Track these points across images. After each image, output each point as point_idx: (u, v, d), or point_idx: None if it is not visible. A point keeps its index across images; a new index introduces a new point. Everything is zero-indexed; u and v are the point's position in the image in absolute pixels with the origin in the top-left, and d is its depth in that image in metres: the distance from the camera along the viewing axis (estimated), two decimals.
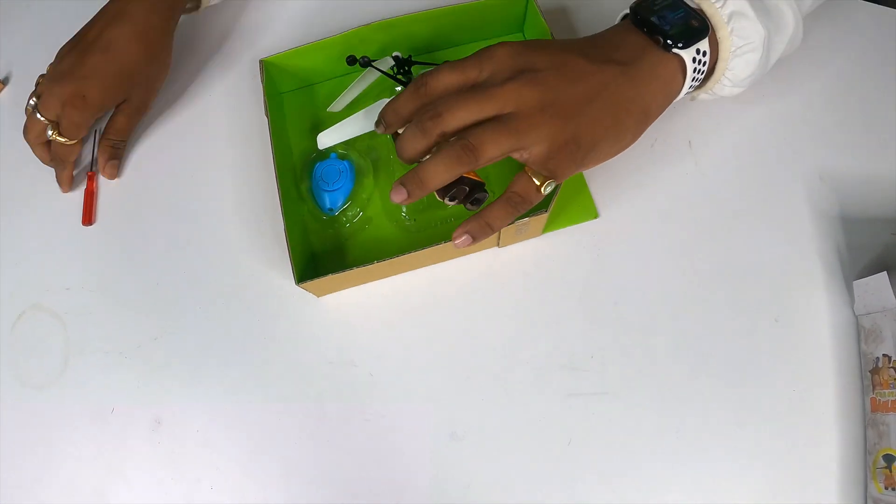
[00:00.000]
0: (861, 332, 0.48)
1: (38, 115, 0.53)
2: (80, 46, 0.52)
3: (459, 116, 0.38)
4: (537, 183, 0.40)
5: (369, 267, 0.45)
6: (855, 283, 0.49)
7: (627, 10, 0.44)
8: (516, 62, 0.39)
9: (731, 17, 0.42)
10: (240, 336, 0.50)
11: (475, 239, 0.40)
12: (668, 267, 0.49)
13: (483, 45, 0.55)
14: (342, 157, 0.51)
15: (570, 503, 0.44)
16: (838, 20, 0.56)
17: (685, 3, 0.42)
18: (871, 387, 0.47)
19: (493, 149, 0.37)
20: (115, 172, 0.57)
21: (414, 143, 0.39)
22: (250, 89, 0.59)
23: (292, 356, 0.49)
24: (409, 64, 0.50)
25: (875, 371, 0.47)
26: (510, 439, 0.45)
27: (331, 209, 0.49)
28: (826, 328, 0.48)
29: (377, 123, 0.43)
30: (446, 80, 0.40)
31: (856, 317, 0.49)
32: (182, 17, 0.57)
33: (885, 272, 0.47)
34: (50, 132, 0.54)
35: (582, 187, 0.51)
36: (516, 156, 0.39)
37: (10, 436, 0.49)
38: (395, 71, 0.51)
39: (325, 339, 0.49)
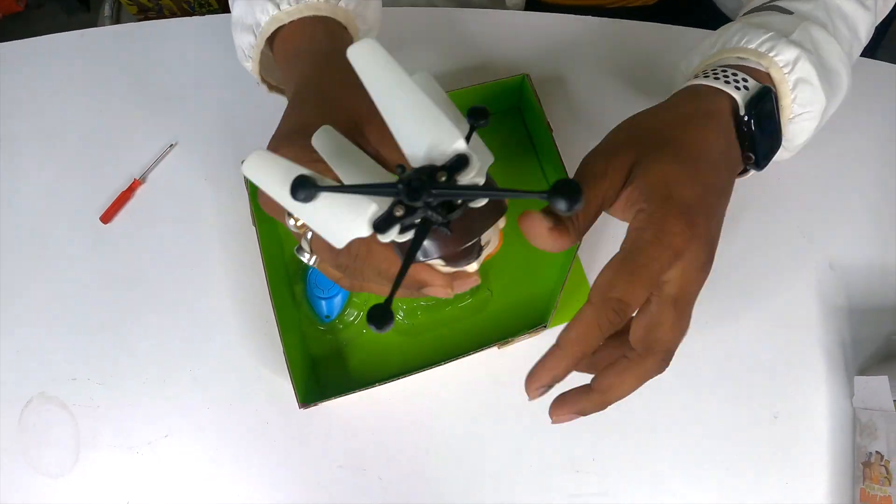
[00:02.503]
0: (857, 425, 0.49)
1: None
2: None
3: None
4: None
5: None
6: (856, 378, 0.49)
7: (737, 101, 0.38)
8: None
9: (796, 83, 0.39)
10: (250, 438, 0.50)
11: (584, 415, 0.35)
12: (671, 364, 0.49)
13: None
14: None
15: None
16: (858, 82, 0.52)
17: (774, 98, 0.39)
18: (862, 478, 0.49)
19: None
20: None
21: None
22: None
23: (305, 460, 0.50)
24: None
25: (867, 464, 0.48)
26: None
27: (328, 316, 0.49)
28: (824, 419, 0.49)
29: None
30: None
31: (853, 408, 0.50)
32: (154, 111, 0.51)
33: (885, 377, 0.47)
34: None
35: (582, 281, 0.50)
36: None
37: None
38: None
39: (335, 443, 0.50)
